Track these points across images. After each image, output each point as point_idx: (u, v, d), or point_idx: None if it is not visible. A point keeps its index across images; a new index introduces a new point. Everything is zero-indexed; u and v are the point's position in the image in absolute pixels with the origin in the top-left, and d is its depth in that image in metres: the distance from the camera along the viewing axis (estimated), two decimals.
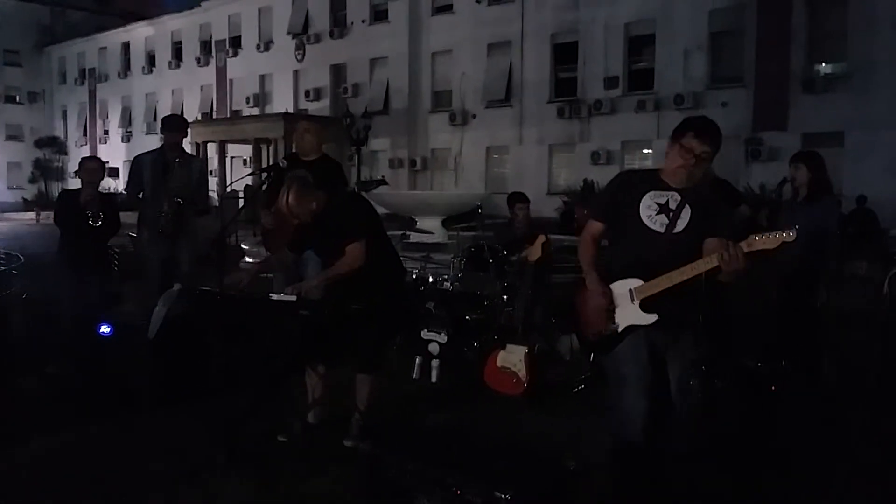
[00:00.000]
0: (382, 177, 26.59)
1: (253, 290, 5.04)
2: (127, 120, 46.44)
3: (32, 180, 48.93)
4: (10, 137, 51.24)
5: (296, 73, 36.21)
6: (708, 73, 24.22)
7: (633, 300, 3.56)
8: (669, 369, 3.62)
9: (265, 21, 37.46)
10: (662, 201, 3.56)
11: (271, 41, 36.96)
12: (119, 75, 46.62)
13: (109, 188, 27.55)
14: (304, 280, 5.13)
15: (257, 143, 31.96)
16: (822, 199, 5.71)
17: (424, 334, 6.30)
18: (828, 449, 4.81)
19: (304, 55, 35.49)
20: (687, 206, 3.52)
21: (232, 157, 36.48)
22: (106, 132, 47.88)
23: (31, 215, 36.18)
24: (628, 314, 3.59)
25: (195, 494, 4.06)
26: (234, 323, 5.44)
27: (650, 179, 3.66)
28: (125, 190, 7.17)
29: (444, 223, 16.41)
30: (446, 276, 7.31)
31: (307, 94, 35.33)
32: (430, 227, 11.38)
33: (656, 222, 3.53)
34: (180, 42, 42.72)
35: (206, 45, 40.91)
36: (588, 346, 4.12)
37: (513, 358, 5.71)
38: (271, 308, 4.78)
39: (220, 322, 5.27)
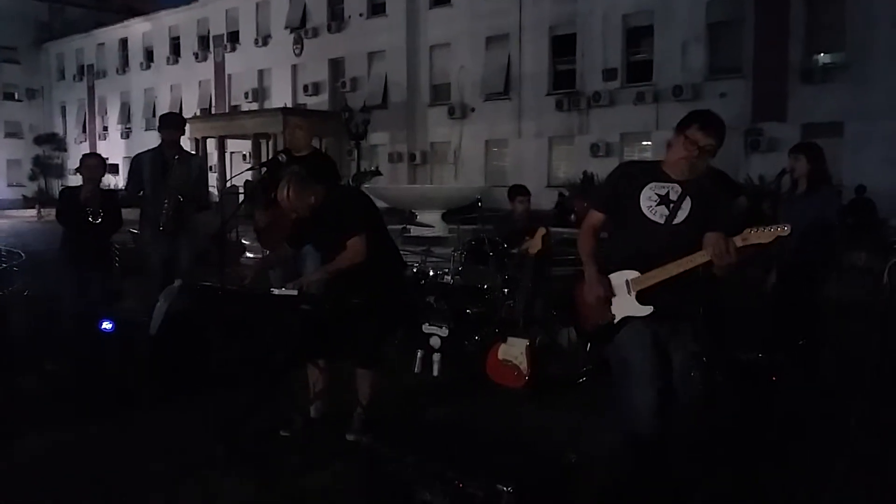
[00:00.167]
0: (377, 167, 26.62)
1: (254, 285, 5.05)
2: (126, 116, 46.40)
3: (32, 177, 48.90)
4: (9, 134, 51.20)
5: (294, 67, 36.17)
6: (706, 65, 24.19)
7: (629, 291, 3.59)
8: (671, 360, 3.64)
9: (263, 16, 37.40)
10: (663, 193, 3.57)
11: (269, 36, 36.92)
12: (117, 71, 46.58)
13: (110, 185, 27.58)
14: (303, 275, 5.14)
15: (256, 139, 31.94)
16: (821, 190, 5.72)
17: (425, 328, 6.31)
18: (827, 440, 4.82)
19: (302, 49, 35.44)
20: (688, 197, 3.53)
21: (231, 153, 36.47)
22: (105, 128, 47.85)
23: (32, 212, 36.18)
24: (624, 305, 3.62)
25: (197, 490, 4.07)
26: (235, 318, 5.46)
27: (651, 171, 3.67)
28: (125, 188, 7.18)
29: (444, 217, 16.43)
30: (447, 270, 7.32)
31: (306, 88, 35.29)
32: (431, 221, 11.38)
33: (656, 213, 3.55)
34: (178, 37, 42.66)
35: (203, 41, 40.84)
36: (585, 337, 4.15)
37: (514, 351, 5.72)
38: (272, 303, 4.79)
39: (222, 318, 5.27)
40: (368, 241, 4.59)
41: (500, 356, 5.78)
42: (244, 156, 35.85)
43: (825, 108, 21.21)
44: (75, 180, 7.21)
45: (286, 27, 35.81)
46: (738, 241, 3.29)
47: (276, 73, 36.93)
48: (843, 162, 19.32)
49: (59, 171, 48.04)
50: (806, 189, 5.73)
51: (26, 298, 7.49)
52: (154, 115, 40.29)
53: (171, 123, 7.05)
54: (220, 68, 39.37)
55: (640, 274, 3.55)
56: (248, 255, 12.47)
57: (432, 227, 10.43)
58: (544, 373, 5.86)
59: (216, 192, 19.01)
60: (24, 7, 50.56)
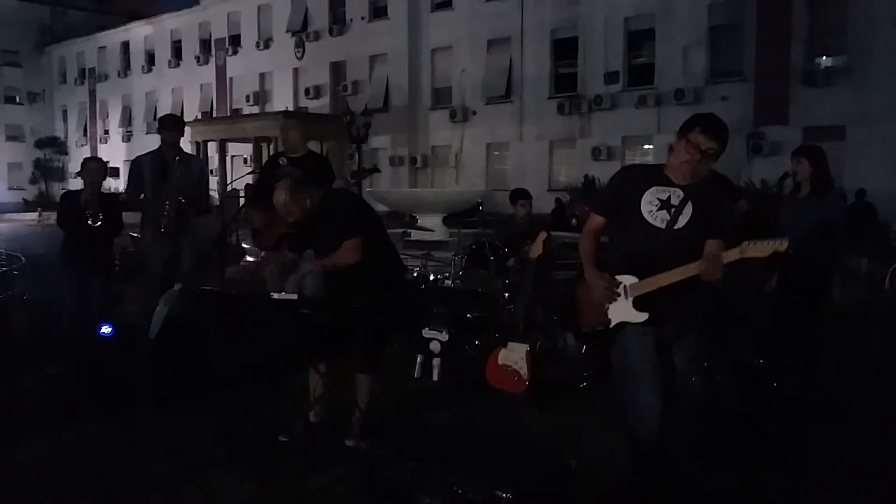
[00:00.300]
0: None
1: (253, 287, 5.05)
2: (127, 119, 46.46)
3: (33, 181, 48.98)
4: (10, 138, 51.25)
5: (295, 70, 36.20)
6: (708, 68, 24.20)
7: (626, 297, 3.59)
8: (673, 364, 3.63)
9: (264, 19, 37.44)
10: (664, 197, 3.56)
11: (271, 39, 36.95)
12: (119, 75, 46.63)
13: (110, 188, 27.60)
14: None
15: (257, 142, 31.95)
16: (827, 194, 5.70)
17: (426, 332, 6.29)
18: (828, 444, 4.81)
19: (303, 53, 35.48)
20: (689, 202, 3.52)
21: (232, 156, 36.50)
22: (106, 132, 47.91)
23: (33, 216, 36.20)
24: (621, 310, 3.62)
25: (196, 494, 4.06)
26: (234, 322, 5.45)
27: (653, 175, 3.66)
28: (126, 191, 7.18)
29: (445, 221, 16.42)
30: (447, 274, 7.30)
31: (307, 91, 35.32)
32: (431, 225, 11.38)
33: (657, 218, 3.54)
34: (180, 41, 42.71)
35: (205, 44, 40.90)
36: (581, 339, 4.14)
37: (514, 356, 5.70)
38: (272, 307, 4.78)
39: (221, 321, 5.27)
40: (366, 245, 4.57)
41: (500, 361, 5.76)
42: (245, 159, 35.86)
43: (827, 112, 21.20)
44: (76, 184, 7.21)
45: (288, 30, 35.84)
46: (736, 253, 3.30)
47: (277, 76, 36.96)
48: (845, 165, 19.30)
49: (60, 175, 48.11)
50: (809, 192, 5.72)
51: (26, 302, 7.49)
52: (155, 119, 40.26)
53: (171, 125, 7.05)
54: (221, 72, 39.40)
55: (637, 280, 3.54)
56: (249, 258, 12.46)
57: (433, 230, 10.42)
58: (545, 378, 5.84)
59: (217, 196, 19.01)
60: (25, 10, 50.67)
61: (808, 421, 5.16)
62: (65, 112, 51.47)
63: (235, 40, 38.93)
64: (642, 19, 25.62)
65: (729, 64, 23.74)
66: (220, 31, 39.70)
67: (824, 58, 22.14)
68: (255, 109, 36.65)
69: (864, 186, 18.17)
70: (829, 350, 6.10)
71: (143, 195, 6.85)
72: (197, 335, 5.65)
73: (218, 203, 10.72)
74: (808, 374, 5.69)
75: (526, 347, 5.69)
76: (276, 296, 4.71)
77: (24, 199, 46.53)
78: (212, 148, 34.93)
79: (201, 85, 41.02)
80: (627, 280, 3.59)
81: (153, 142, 7.26)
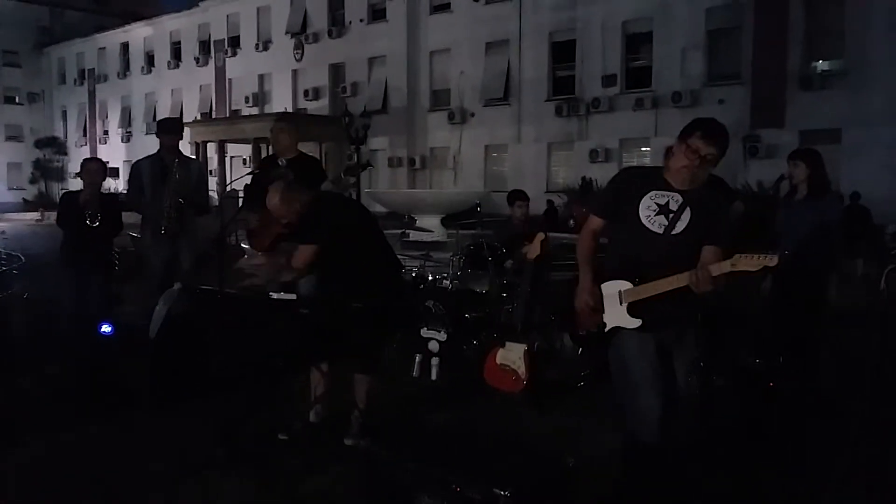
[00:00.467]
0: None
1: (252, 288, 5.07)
2: (126, 120, 46.45)
3: (33, 181, 48.94)
4: (9, 138, 51.24)
5: (294, 72, 36.23)
6: (705, 71, 24.25)
7: (621, 302, 3.59)
8: (672, 367, 3.65)
9: (264, 21, 37.46)
10: (663, 202, 3.55)
11: (270, 41, 36.97)
12: (118, 75, 46.63)
13: (110, 188, 27.58)
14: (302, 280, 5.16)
15: (256, 143, 31.93)
16: (823, 197, 5.72)
17: (424, 332, 6.32)
18: (825, 446, 4.84)
19: (302, 55, 35.50)
20: (688, 208, 3.51)
21: (231, 157, 36.51)
22: (106, 132, 47.89)
23: (33, 216, 36.15)
24: (615, 315, 3.62)
25: (196, 493, 4.08)
26: (234, 322, 5.48)
27: (653, 179, 3.64)
28: (126, 196, 7.20)
29: (444, 222, 16.43)
30: (446, 275, 7.33)
31: (306, 93, 35.36)
32: (430, 226, 11.38)
33: (655, 223, 3.53)
34: (179, 42, 42.74)
35: (204, 45, 40.93)
36: (577, 342, 4.15)
37: (512, 356, 5.73)
38: (271, 307, 4.81)
39: (221, 321, 5.30)
40: (359, 247, 4.60)
41: (498, 361, 5.78)
42: (244, 160, 35.87)
43: (823, 115, 21.24)
44: (76, 184, 7.24)
45: (287, 32, 35.87)
46: (727, 265, 3.29)
47: (276, 77, 36.97)
48: (841, 168, 19.34)
49: (60, 175, 48.07)
50: (805, 195, 5.74)
51: (26, 301, 7.51)
52: (155, 120, 40.29)
53: (170, 128, 7.09)
54: (220, 73, 39.40)
55: (632, 286, 3.56)
56: (247, 258, 12.46)
57: (431, 231, 10.43)
58: (542, 377, 5.86)
59: (216, 197, 19.02)
60: (24, 11, 50.65)
61: (806, 422, 5.19)
62: (64, 112, 51.45)
63: (235, 42, 38.95)
64: (640, 22, 25.66)
65: (726, 67, 23.80)
66: (219, 33, 39.71)
67: (821, 61, 22.19)
68: (255, 111, 36.67)
69: (860, 189, 18.19)
70: (826, 351, 6.13)
71: (142, 199, 6.88)
72: (196, 334, 5.67)
73: (217, 204, 10.74)
74: (805, 375, 5.72)
75: (524, 347, 5.71)
76: (274, 296, 4.74)
77: (23, 199, 46.48)
78: (211, 149, 34.94)
79: (200, 86, 41.02)
80: (623, 285, 3.59)
81: (152, 142, 7.29)
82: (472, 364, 6.15)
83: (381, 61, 32.66)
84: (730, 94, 23.19)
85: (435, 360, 6.31)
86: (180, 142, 7.14)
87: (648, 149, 24.94)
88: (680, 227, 3.50)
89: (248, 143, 32.88)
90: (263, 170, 6.28)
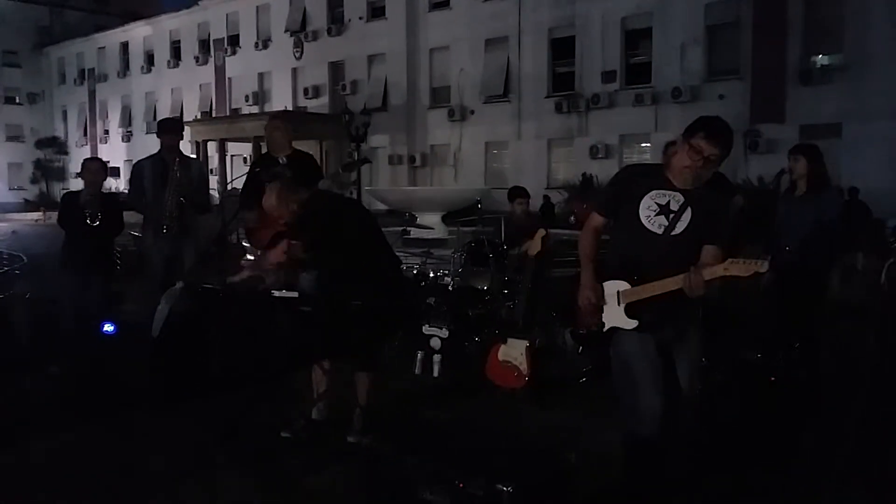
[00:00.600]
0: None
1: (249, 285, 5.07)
2: (127, 119, 46.47)
3: (34, 181, 48.96)
4: (10, 138, 51.25)
5: (294, 70, 36.25)
6: (705, 66, 24.27)
7: (619, 303, 3.59)
8: (673, 365, 3.65)
9: (263, 19, 37.47)
10: (663, 202, 3.52)
11: (269, 39, 36.98)
12: (118, 75, 46.65)
13: (111, 188, 27.61)
14: (301, 278, 5.17)
15: (257, 142, 31.88)
16: (822, 192, 5.72)
17: (426, 329, 6.33)
18: (826, 440, 4.84)
19: (302, 53, 35.51)
20: (689, 208, 3.48)
21: (232, 156, 36.53)
22: (106, 132, 47.90)
23: (34, 216, 36.17)
24: (613, 316, 3.62)
25: (198, 491, 4.08)
26: (236, 320, 5.49)
27: (655, 178, 3.60)
28: (127, 196, 7.22)
29: (444, 219, 16.46)
30: (447, 272, 7.34)
31: (306, 91, 35.36)
32: (431, 223, 11.42)
33: (654, 223, 3.51)
34: (179, 41, 42.74)
35: (204, 44, 40.93)
36: (577, 339, 4.14)
37: (514, 352, 5.74)
38: (273, 305, 4.82)
39: (223, 319, 5.31)
40: (357, 244, 4.61)
41: (500, 357, 5.79)
42: (245, 159, 35.88)
43: (823, 110, 21.26)
44: (77, 184, 7.25)
45: (286, 30, 35.87)
46: (720, 270, 3.28)
47: (276, 76, 36.99)
48: (841, 163, 19.34)
49: (61, 175, 48.09)
50: (805, 190, 5.75)
51: (28, 301, 7.52)
52: (155, 119, 40.30)
53: (170, 128, 7.10)
54: (220, 72, 39.41)
55: (630, 286, 3.55)
56: (249, 257, 12.45)
57: (432, 228, 10.48)
58: (544, 374, 5.88)
59: (217, 196, 19.03)
60: (24, 11, 50.65)
61: (807, 416, 5.20)
62: (65, 112, 51.45)
63: (234, 40, 38.96)
64: (640, 18, 25.67)
65: (726, 62, 23.81)
66: (218, 32, 39.71)
67: (820, 56, 22.18)
68: (255, 109, 36.67)
69: (860, 184, 18.17)
70: (826, 346, 6.14)
71: (144, 198, 6.88)
72: (198, 333, 5.68)
73: (218, 202, 10.74)
74: (805, 369, 5.73)
75: (525, 344, 5.73)
76: (276, 293, 4.75)
77: (24, 198, 46.48)
78: (211, 147, 34.96)
79: (200, 85, 41.04)
80: (621, 286, 3.58)
81: (153, 142, 7.31)
82: (473, 361, 6.17)
83: (381, 59, 32.67)
84: (730, 89, 23.20)
85: (437, 357, 6.32)
86: (181, 141, 7.15)
87: (648, 145, 24.94)
88: (680, 227, 3.48)
89: (249, 142, 32.89)
90: (263, 168, 6.27)
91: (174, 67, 42.71)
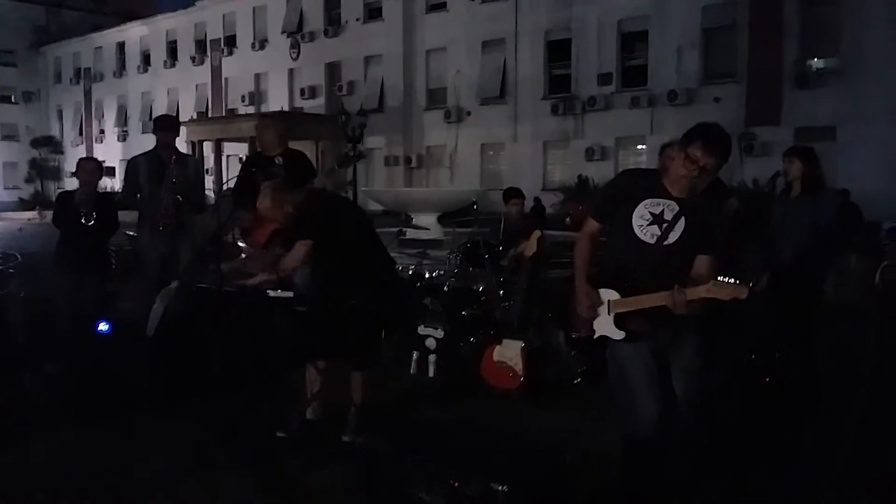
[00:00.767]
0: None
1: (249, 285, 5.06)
2: (123, 119, 46.39)
3: (29, 180, 48.85)
4: (6, 137, 51.12)
5: (291, 71, 36.23)
6: (701, 69, 24.31)
7: (609, 312, 3.58)
8: (670, 370, 3.65)
9: (260, 20, 37.44)
10: (657, 211, 3.48)
11: (266, 40, 36.96)
12: (114, 75, 46.56)
13: (106, 187, 27.55)
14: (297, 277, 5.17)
15: (253, 142, 31.86)
16: (819, 194, 5.72)
17: (421, 330, 6.33)
18: (820, 441, 4.86)
19: (298, 53, 35.49)
20: (683, 217, 3.44)
21: (228, 156, 36.44)
22: (102, 131, 47.81)
23: (29, 215, 36.09)
24: (604, 324, 3.61)
25: (194, 491, 4.08)
26: (231, 319, 5.49)
27: (650, 185, 3.56)
28: (122, 192, 7.20)
29: (440, 220, 16.47)
30: (442, 272, 7.34)
31: (302, 92, 35.36)
32: (426, 224, 11.43)
33: (647, 233, 3.48)
34: (175, 41, 42.67)
35: (200, 44, 40.88)
36: (571, 344, 4.13)
37: (509, 352, 5.74)
38: (268, 304, 4.82)
39: (218, 318, 5.30)
40: (351, 244, 4.60)
41: (495, 358, 5.80)
42: (241, 159, 35.73)
43: (819, 113, 21.31)
44: (72, 183, 7.23)
45: (283, 31, 35.86)
46: (702, 290, 3.25)
47: (272, 76, 36.98)
48: (836, 166, 19.35)
49: (56, 174, 47.97)
50: (800, 192, 5.76)
51: (22, 300, 7.51)
52: (151, 119, 40.21)
53: (166, 126, 7.08)
54: (216, 72, 39.38)
55: (619, 297, 3.54)
56: (244, 256, 12.44)
57: (428, 229, 10.48)
58: (539, 374, 5.88)
59: (213, 195, 19.01)
60: (20, 10, 50.51)
61: (802, 417, 5.21)
62: (60, 112, 51.34)
63: (231, 41, 38.93)
64: (636, 21, 25.70)
65: (722, 65, 23.86)
66: (215, 32, 39.68)
67: (816, 59, 22.21)
68: (251, 110, 36.62)
69: (855, 186, 18.14)
70: (822, 347, 6.15)
71: (139, 196, 6.87)
72: (194, 332, 5.68)
73: (214, 202, 10.74)
74: (801, 370, 5.74)
75: (521, 344, 5.73)
76: (271, 293, 4.75)
77: (20, 198, 46.38)
78: (207, 148, 34.91)
79: (197, 85, 40.99)
80: (612, 295, 3.57)
81: (149, 141, 7.29)
82: (469, 361, 6.17)
83: (378, 60, 32.67)
84: (725, 91, 23.25)
85: (432, 358, 6.33)
86: (177, 138, 7.14)
87: (644, 147, 25.00)
88: (673, 237, 3.45)
89: (245, 142, 32.85)
90: (259, 168, 6.27)
91: (171, 67, 42.64)
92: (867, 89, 20.63)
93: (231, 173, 34.12)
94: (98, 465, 4.45)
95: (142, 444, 4.75)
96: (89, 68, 48.32)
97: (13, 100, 52.07)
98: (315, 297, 4.85)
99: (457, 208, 14.39)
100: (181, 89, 41.90)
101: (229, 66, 38.72)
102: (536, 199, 24.87)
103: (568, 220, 21.98)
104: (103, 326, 6.25)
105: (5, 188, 49.57)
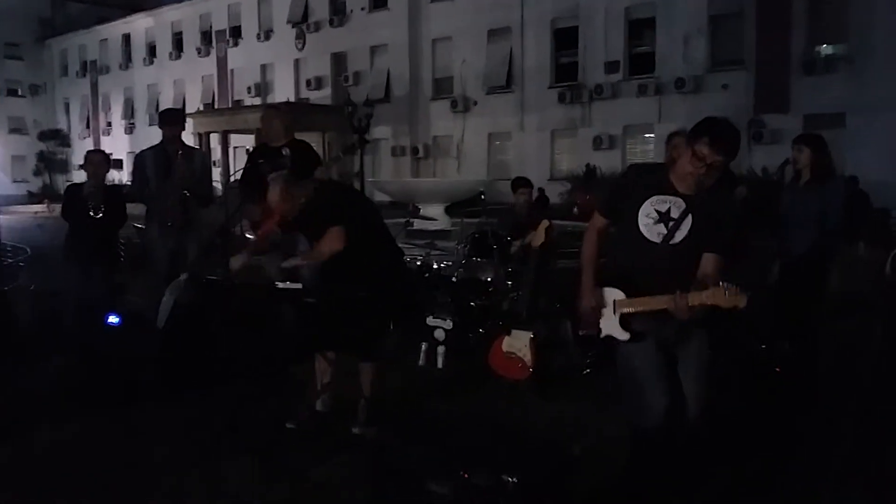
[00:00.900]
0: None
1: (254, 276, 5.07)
2: (129, 111, 46.42)
3: (37, 173, 48.96)
4: (13, 130, 51.20)
5: (296, 61, 36.19)
6: (709, 57, 24.18)
7: (614, 311, 3.56)
8: (678, 364, 3.63)
9: (265, 10, 37.39)
10: (664, 209, 3.44)
11: (271, 30, 36.91)
12: (120, 67, 46.55)
13: (114, 180, 27.59)
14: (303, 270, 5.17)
15: (259, 133, 31.89)
16: (828, 181, 5.70)
17: (430, 321, 6.34)
18: (830, 432, 4.85)
19: (304, 44, 35.44)
20: (690, 215, 3.40)
21: (235, 147, 36.45)
22: (109, 124, 47.86)
23: (36, 207, 36.17)
24: (608, 324, 3.60)
25: (203, 481, 4.10)
26: (241, 311, 5.50)
27: (658, 181, 3.51)
28: (130, 187, 7.21)
29: (448, 210, 16.46)
30: (451, 263, 7.34)
31: (308, 83, 35.31)
32: (434, 215, 11.42)
33: (653, 232, 3.44)
34: (181, 33, 42.64)
35: (206, 36, 40.84)
36: (577, 341, 4.11)
37: (518, 343, 5.74)
38: (277, 296, 4.82)
39: (227, 310, 5.32)
40: (360, 234, 4.60)
41: (504, 348, 5.80)
42: (247, 150, 35.66)
43: (827, 100, 21.18)
44: (80, 176, 7.25)
45: (288, 22, 35.81)
46: (704, 296, 3.22)
47: (278, 67, 36.93)
48: (845, 153, 19.28)
49: (64, 167, 48.08)
50: (809, 180, 5.73)
51: (32, 293, 7.54)
52: (157, 111, 40.23)
53: (172, 119, 7.08)
54: (222, 63, 39.33)
55: (625, 297, 3.52)
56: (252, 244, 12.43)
57: (436, 220, 10.46)
58: (548, 365, 5.88)
59: (220, 187, 19.02)
60: (25, 3, 50.46)
61: (811, 407, 5.20)
62: (67, 105, 51.39)
63: (236, 32, 38.86)
64: (643, 8, 25.57)
65: (729, 52, 23.72)
66: (220, 23, 39.61)
67: (824, 46, 22.11)
68: (257, 101, 36.59)
69: (864, 174, 18.10)
70: (831, 335, 6.13)
71: (147, 190, 6.88)
72: (204, 324, 5.70)
73: (221, 194, 10.76)
74: (810, 359, 5.73)
75: (529, 335, 5.73)
76: (280, 285, 4.76)
77: (28, 191, 46.50)
78: (214, 139, 34.90)
79: (203, 77, 40.95)
80: (617, 295, 3.55)
81: (156, 134, 7.29)
82: (477, 352, 6.17)
83: (383, 50, 32.60)
84: (733, 79, 23.14)
85: (441, 349, 6.33)
86: (182, 132, 7.13)
87: (652, 135, 24.91)
88: (679, 236, 3.41)
89: (251, 134, 32.84)
90: (266, 159, 6.25)
91: (176, 59, 42.63)
92: (876, 76, 20.49)
93: (238, 164, 33.95)
94: (106, 456, 4.47)
95: (151, 436, 4.77)
96: (95, 61, 48.30)
97: (20, 93, 52.12)
98: (324, 288, 4.85)
99: (464, 198, 14.34)
100: (187, 81, 41.90)
101: (235, 57, 38.67)
102: (541, 190, 24.84)
103: (575, 209, 21.93)
104: (113, 319, 6.26)
105: (14, 181, 49.68)
